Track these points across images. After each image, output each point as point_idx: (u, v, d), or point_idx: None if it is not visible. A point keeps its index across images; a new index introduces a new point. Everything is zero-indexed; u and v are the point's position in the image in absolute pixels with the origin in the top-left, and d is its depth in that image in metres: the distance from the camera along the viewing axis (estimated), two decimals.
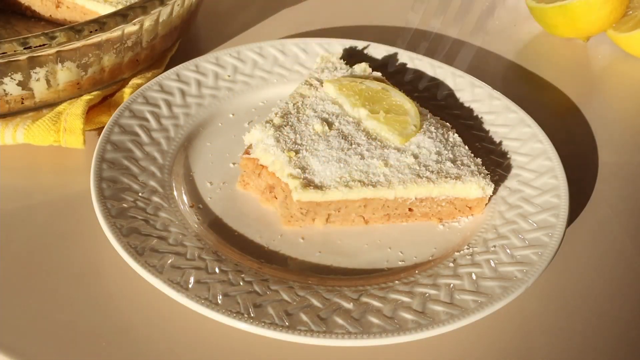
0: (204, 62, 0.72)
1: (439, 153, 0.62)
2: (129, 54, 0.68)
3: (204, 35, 0.84)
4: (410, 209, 0.61)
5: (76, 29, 0.61)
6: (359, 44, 0.76)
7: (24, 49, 0.59)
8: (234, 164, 0.65)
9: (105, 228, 0.54)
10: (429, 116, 0.67)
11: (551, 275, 0.58)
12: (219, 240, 0.58)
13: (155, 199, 0.59)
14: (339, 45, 0.76)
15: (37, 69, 0.62)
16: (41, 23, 0.79)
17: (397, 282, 0.55)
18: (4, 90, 0.62)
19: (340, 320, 0.50)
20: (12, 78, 0.61)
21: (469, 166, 0.61)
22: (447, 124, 0.67)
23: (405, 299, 0.53)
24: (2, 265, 0.55)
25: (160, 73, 0.72)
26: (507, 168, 0.65)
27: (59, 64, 0.62)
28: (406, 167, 0.60)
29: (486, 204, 0.62)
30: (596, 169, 0.70)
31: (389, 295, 0.53)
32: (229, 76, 0.72)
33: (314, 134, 0.62)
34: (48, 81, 0.63)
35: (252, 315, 0.50)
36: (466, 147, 0.64)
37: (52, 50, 0.60)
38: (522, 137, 0.68)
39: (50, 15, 0.78)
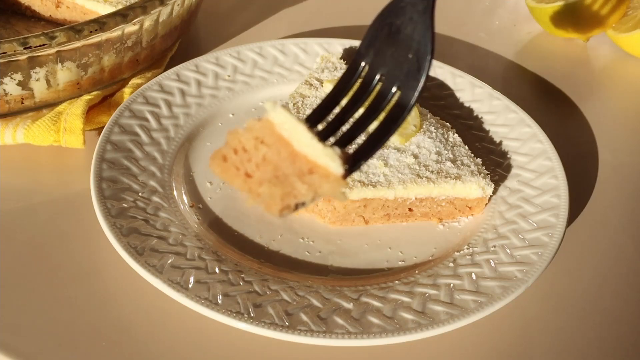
0: (204, 62, 0.72)
1: (438, 153, 0.62)
2: (129, 53, 0.68)
3: (204, 35, 0.84)
4: (410, 209, 0.61)
5: (76, 29, 0.61)
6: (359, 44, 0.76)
7: (24, 48, 0.59)
8: None
9: (105, 228, 0.54)
10: (429, 116, 0.67)
11: (551, 275, 0.58)
12: (219, 240, 0.58)
13: (155, 198, 0.59)
14: (339, 45, 0.76)
15: (37, 69, 0.61)
16: (41, 23, 0.79)
17: (397, 282, 0.55)
18: (4, 90, 0.62)
19: (340, 320, 0.50)
20: (12, 78, 0.61)
21: (469, 166, 0.61)
22: (447, 124, 0.67)
23: (405, 298, 0.53)
24: (2, 265, 0.55)
25: (160, 73, 0.72)
26: (507, 168, 0.65)
27: (59, 64, 0.62)
28: (406, 167, 0.60)
29: (486, 204, 0.62)
30: (596, 168, 0.70)
31: (389, 295, 0.53)
32: (229, 76, 0.72)
33: None
34: (48, 81, 0.63)
35: (252, 315, 0.50)
36: (466, 147, 0.64)
37: (52, 50, 0.60)
38: (522, 137, 0.68)
39: (50, 15, 0.78)
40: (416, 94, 0.36)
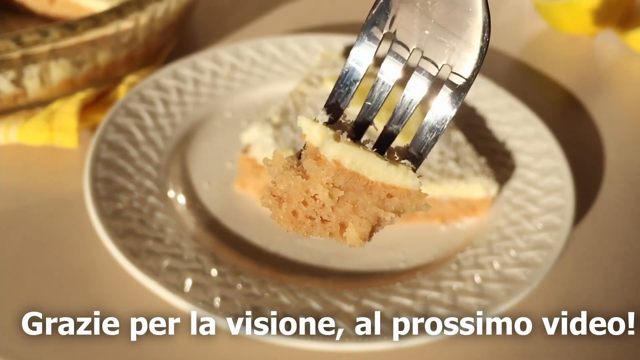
0: (201, 59, 0.71)
1: (441, 152, 0.61)
2: (125, 51, 0.67)
3: (201, 32, 0.83)
4: None
5: (70, 26, 0.60)
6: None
7: (17, 45, 0.57)
8: (232, 163, 0.64)
9: (100, 229, 0.53)
10: None
11: (556, 277, 0.57)
12: (217, 242, 0.57)
13: (152, 199, 0.58)
14: (339, 42, 0.75)
15: (31, 67, 0.60)
16: (35, 20, 0.78)
17: (398, 284, 0.54)
18: None
19: (341, 324, 0.49)
20: (4, 75, 0.60)
21: (473, 165, 0.60)
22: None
23: (407, 301, 0.52)
24: None
25: (157, 70, 0.71)
26: (512, 168, 0.64)
27: (53, 61, 0.61)
28: None
29: (490, 205, 0.61)
30: (603, 168, 0.69)
31: (391, 298, 0.52)
32: (226, 74, 0.71)
33: None
34: (42, 79, 0.62)
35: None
36: (469, 146, 0.63)
37: (46, 47, 0.59)
38: (526, 136, 0.66)
39: (45, 12, 0.77)
40: (471, 73, 0.28)
